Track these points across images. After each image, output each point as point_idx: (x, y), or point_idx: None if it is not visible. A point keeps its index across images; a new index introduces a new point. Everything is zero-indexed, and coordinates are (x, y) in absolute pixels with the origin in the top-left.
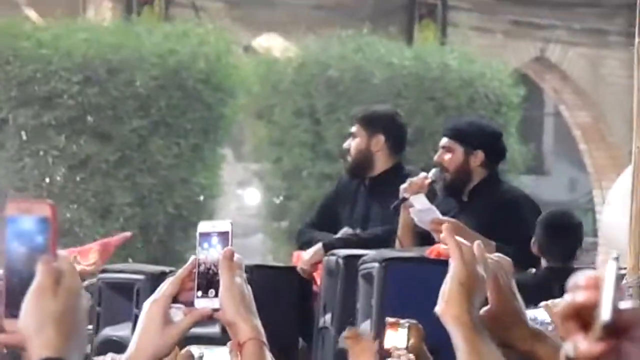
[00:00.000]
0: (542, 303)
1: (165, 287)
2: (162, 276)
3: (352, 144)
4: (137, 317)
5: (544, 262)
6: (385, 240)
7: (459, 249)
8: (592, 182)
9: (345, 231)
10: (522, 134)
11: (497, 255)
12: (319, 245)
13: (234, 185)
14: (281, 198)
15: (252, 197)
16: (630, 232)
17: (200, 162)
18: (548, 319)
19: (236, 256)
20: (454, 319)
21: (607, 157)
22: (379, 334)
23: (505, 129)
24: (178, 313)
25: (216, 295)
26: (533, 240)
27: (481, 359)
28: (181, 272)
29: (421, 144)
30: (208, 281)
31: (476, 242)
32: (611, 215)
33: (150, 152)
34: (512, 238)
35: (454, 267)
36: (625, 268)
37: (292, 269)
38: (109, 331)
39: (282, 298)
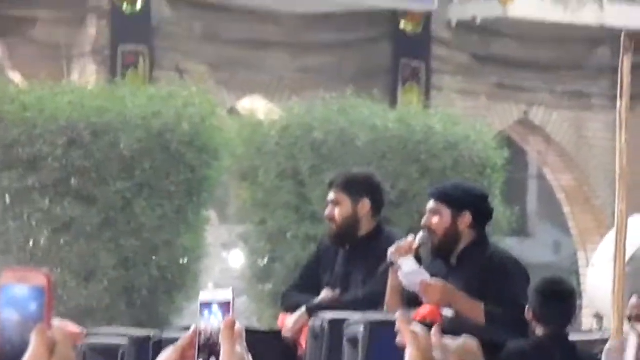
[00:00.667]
0: None
1: (167, 356)
2: (146, 340)
3: (337, 212)
4: None
5: (538, 329)
6: (367, 303)
7: (414, 337)
8: (576, 244)
9: (326, 294)
10: (506, 196)
11: (463, 338)
12: (302, 309)
13: (218, 247)
14: (265, 260)
15: (237, 259)
16: (613, 295)
17: (184, 224)
18: None
19: (237, 325)
20: None
21: (591, 220)
22: None
23: (489, 191)
24: None
25: None
26: (527, 306)
27: None
28: (182, 341)
29: (405, 206)
30: (209, 350)
31: (434, 330)
32: (595, 278)
33: (135, 214)
34: (501, 301)
35: (409, 354)
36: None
37: (278, 333)
38: None
39: None
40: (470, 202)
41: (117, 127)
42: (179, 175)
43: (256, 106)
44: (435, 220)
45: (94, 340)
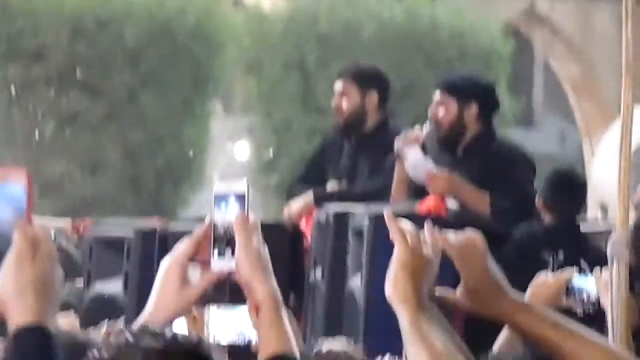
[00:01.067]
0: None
1: (183, 248)
2: (152, 232)
3: (345, 102)
4: (127, 272)
5: (547, 218)
6: (374, 195)
7: (401, 234)
8: (581, 134)
9: (332, 185)
10: (512, 87)
11: (465, 232)
12: (309, 195)
13: (223, 139)
14: (271, 152)
15: (242, 151)
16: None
17: (190, 116)
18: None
19: (252, 217)
20: (399, 301)
21: (597, 110)
22: (370, 288)
23: (495, 82)
24: (194, 272)
25: (233, 256)
26: (537, 195)
27: (423, 338)
28: (198, 232)
29: (411, 97)
30: (225, 242)
31: (427, 225)
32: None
33: (140, 106)
34: (506, 192)
35: (397, 251)
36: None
37: (284, 224)
38: (99, 287)
39: (273, 253)
40: (476, 93)
41: (121, 18)
42: (184, 67)
43: None
44: (441, 111)
45: (99, 231)
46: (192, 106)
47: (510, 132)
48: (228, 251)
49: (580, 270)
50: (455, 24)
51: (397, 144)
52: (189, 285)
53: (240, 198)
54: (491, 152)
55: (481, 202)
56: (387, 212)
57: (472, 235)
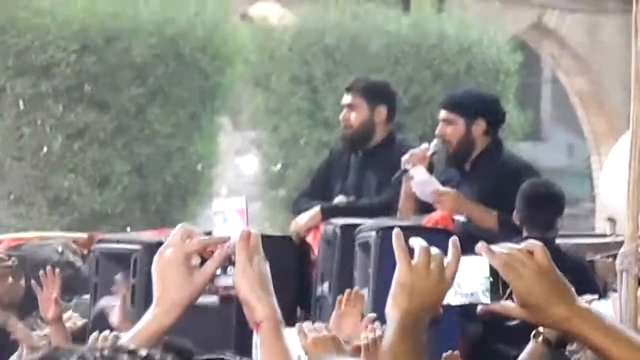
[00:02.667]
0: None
1: (192, 242)
2: (158, 245)
3: (353, 116)
4: (134, 286)
5: (524, 233)
6: (381, 209)
7: (404, 252)
8: (590, 147)
9: (340, 199)
10: (520, 101)
11: (530, 243)
12: (317, 209)
13: (231, 154)
14: (279, 166)
15: (250, 165)
16: (627, 199)
17: (198, 131)
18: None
19: (253, 233)
20: (390, 315)
21: (605, 123)
22: (378, 302)
23: (503, 95)
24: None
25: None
26: (515, 210)
27: (396, 354)
28: (211, 239)
29: (418, 111)
30: (228, 259)
31: (452, 241)
32: (609, 182)
33: (148, 120)
34: (513, 207)
35: (397, 269)
36: (622, 235)
37: (291, 237)
38: (105, 302)
39: (280, 267)
40: (483, 108)
41: (130, 33)
42: (192, 82)
43: (269, 11)
44: (449, 129)
45: (106, 246)
46: (200, 121)
47: (518, 146)
48: (230, 268)
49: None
50: (463, 37)
51: (404, 160)
52: (195, 271)
53: (240, 214)
54: (498, 167)
55: (488, 219)
56: (395, 230)
57: (531, 246)
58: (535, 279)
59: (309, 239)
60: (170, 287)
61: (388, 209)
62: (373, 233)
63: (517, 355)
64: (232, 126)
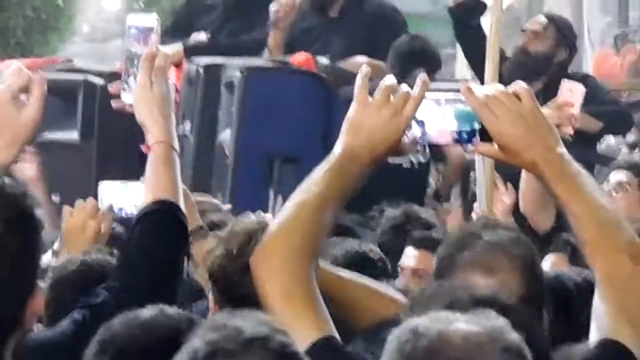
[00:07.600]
0: None
1: (13, 81)
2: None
3: None
4: None
5: None
6: (247, 48)
7: (361, 90)
8: None
9: (198, 36)
10: None
11: (517, 86)
12: (178, 45)
13: None
14: (142, 3)
15: (112, 1)
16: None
17: None
18: None
19: (161, 53)
20: (333, 150)
21: None
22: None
23: None
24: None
25: None
26: (389, 65)
27: (328, 183)
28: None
29: None
30: (134, 76)
31: (420, 75)
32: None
33: None
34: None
35: (351, 106)
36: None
37: None
38: None
39: None
40: None
41: None
42: None
43: None
44: None
45: None
46: None
47: None
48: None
49: None
50: None
51: (273, 12)
52: (23, 107)
53: (149, 32)
54: (371, 13)
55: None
56: (363, 68)
57: (517, 88)
58: (509, 120)
59: (172, 79)
60: (3, 128)
61: (254, 48)
62: (238, 73)
63: None
64: None
